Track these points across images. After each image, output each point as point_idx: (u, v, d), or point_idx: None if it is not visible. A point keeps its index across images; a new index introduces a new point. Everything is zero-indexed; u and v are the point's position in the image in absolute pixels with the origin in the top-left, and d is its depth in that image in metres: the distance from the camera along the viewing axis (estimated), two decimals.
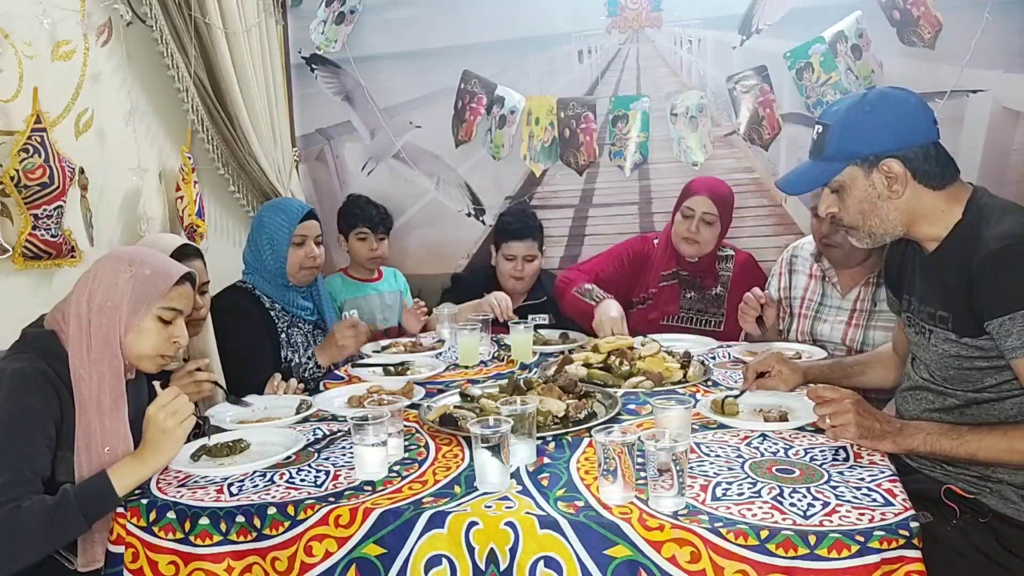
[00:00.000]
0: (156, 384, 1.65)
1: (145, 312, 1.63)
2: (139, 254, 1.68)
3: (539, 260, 2.95)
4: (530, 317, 2.54)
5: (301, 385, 2.16)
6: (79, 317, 1.60)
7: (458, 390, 1.95)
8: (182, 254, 2.03)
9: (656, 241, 2.83)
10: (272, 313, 2.44)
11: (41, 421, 1.52)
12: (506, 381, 1.95)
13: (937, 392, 1.62)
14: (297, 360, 2.40)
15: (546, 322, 2.70)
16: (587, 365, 2.13)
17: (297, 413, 1.88)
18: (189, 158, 2.80)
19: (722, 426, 1.70)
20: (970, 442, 1.49)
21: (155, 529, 1.42)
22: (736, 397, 1.79)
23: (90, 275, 1.64)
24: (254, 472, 1.55)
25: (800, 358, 2.17)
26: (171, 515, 1.42)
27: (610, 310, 2.47)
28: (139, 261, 1.65)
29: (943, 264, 1.58)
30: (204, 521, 1.40)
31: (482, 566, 1.30)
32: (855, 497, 1.33)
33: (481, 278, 3.00)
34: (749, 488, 1.38)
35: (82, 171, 2.40)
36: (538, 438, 1.60)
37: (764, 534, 1.22)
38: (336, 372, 2.37)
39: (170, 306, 1.66)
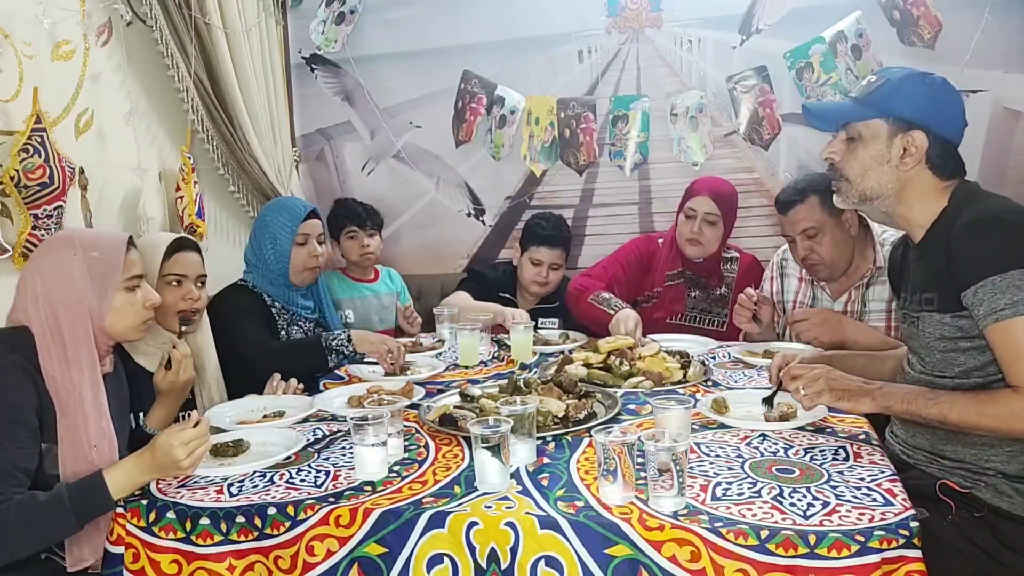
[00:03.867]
0: (191, 415, 1.58)
1: (112, 292, 1.62)
2: (77, 238, 1.65)
3: (563, 271, 2.94)
4: (540, 321, 2.53)
5: (301, 386, 2.16)
6: (42, 320, 1.57)
7: (458, 390, 1.95)
8: (179, 246, 2.04)
9: (661, 241, 2.85)
10: (273, 311, 2.45)
11: (22, 414, 1.51)
12: (506, 381, 1.95)
13: (926, 380, 1.64)
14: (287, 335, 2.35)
15: (555, 327, 2.69)
16: (587, 365, 2.13)
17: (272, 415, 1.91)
18: (189, 158, 2.80)
19: (722, 426, 1.70)
20: (944, 403, 1.51)
21: (155, 529, 1.42)
22: (773, 395, 1.77)
23: (35, 276, 1.60)
24: (254, 472, 1.55)
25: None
26: (171, 515, 1.42)
27: (628, 319, 2.44)
28: (81, 245, 1.63)
29: (929, 248, 1.62)
30: (204, 521, 1.40)
31: (483, 565, 1.31)
32: (855, 497, 1.33)
33: (501, 276, 3.00)
34: (749, 488, 1.38)
35: (82, 171, 2.40)
36: (538, 438, 1.60)
37: (764, 534, 1.22)
38: (336, 372, 2.37)
39: (130, 275, 1.66)
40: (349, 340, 2.28)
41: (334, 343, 2.27)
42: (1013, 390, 1.46)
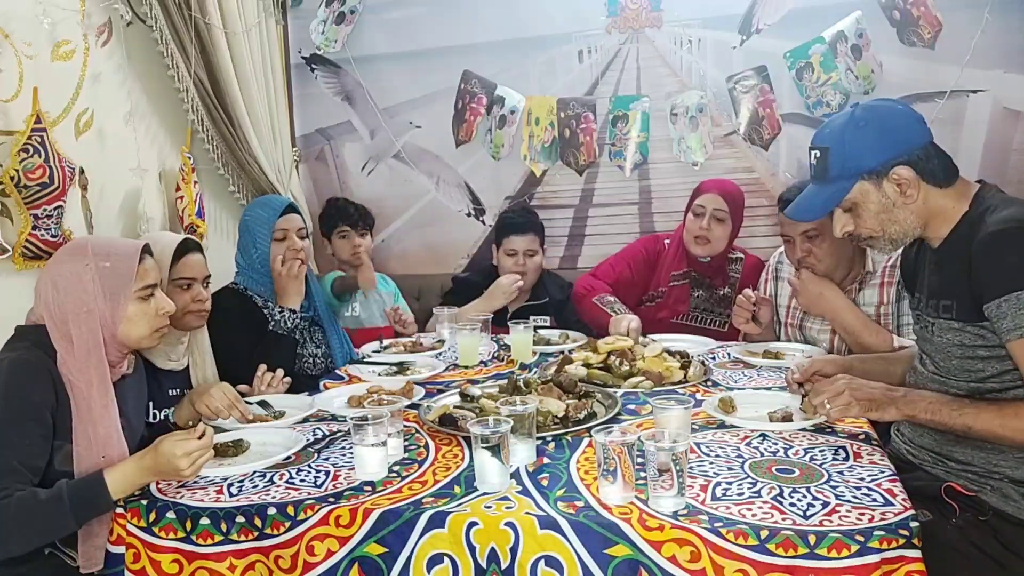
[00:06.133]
0: (199, 427, 1.52)
1: (124, 302, 1.62)
2: (90, 247, 1.64)
3: (540, 256, 2.95)
4: (531, 318, 2.52)
5: (288, 379, 2.14)
6: (55, 329, 1.58)
7: (458, 390, 1.95)
8: (184, 248, 2.04)
9: (668, 241, 2.85)
10: (265, 311, 2.44)
11: (37, 412, 1.51)
12: (506, 381, 1.95)
13: (941, 381, 1.63)
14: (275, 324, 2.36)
15: (547, 324, 2.69)
16: (587, 365, 2.13)
17: (264, 411, 1.91)
18: (189, 158, 2.80)
19: (722, 426, 1.70)
20: (968, 414, 1.51)
21: (155, 529, 1.43)
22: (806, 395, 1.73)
23: (48, 284, 1.60)
24: (254, 472, 1.55)
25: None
26: (171, 515, 1.42)
27: (630, 320, 2.44)
28: (93, 254, 1.62)
29: (948, 254, 1.60)
30: (205, 521, 1.40)
31: (483, 564, 1.31)
32: (855, 497, 1.33)
33: (482, 279, 2.98)
34: (749, 488, 1.38)
35: (82, 171, 2.40)
36: (538, 438, 1.60)
37: (764, 534, 1.22)
38: (336, 372, 2.36)
39: (144, 285, 1.65)
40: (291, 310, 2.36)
41: (288, 324, 2.33)
42: None
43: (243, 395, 2.02)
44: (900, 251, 1.80)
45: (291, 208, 2.51)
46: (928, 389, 1.67)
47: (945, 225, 1.60)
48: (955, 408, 1.52)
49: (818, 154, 1.66)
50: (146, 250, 1.69)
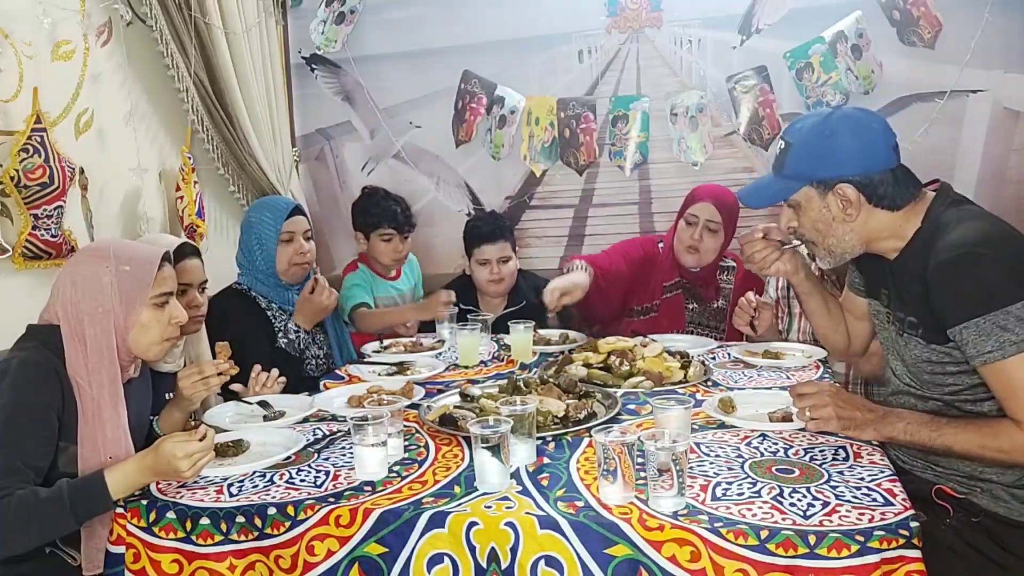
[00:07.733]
0: (200, 428, 1.52)
1: (140, 307, 1.63)
2: (112, 250, 1.65)
3: (514, 261, 2.88)
4: (512, 326, 2.47)
5: (283, 379, 2.14)
6: (70, 328, 1.58)
7: (458, 390, 1.95)
8: (180, 253, 2.04)
9: (661, 246, 2.82)
10: (269, 313, 2.44)
11: (43, 412, 1.52)
12: (506, 381, 1.95)
13: (919, 396, 1.64)
14: (283, 333, 2.37)
15: (532, 329, 2.63)
16: (587, 365, 2.13)
17: (264, 411, 1.91)
18: (189, 158, 2.80)
19: (723, 426, 1.70)
20: (947, 435, 1.51)
21: (155, 529, 1.43)
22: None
23: (67, 282, 1.61)
24: (254, 472, 1.55)
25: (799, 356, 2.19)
26: (171, 515, 1.42)
27: (558, 282, 2.40)
28: (114, 257, 1.63)
29: (904, 272, 1.60)
30: (204, 521, 1.40)
31: (484, 564, 1.31)
32: (855, 497, 1.33)
33: (458, 290, 2.87)
34: (749, 488, 1.38)
35: (82, 171, 2.40)
36: (538, 438, 1.60)
37: (764, 534, 1.22)
38: (336, 372, 2.37)
39: (161, 292, 1.66)
40: (297, 327, 2.40)
41: (299, 345, 2.32)
42: (1014, 424, 1.45)
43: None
44: None
45: (297, 210, 2.51)
46: (904, 400, 1.68)
47: (896, 241, 1.61)
48: (933, 430, 1.52)
49: (783, 145, 1.67)
50: (166, 258, 1.70)
